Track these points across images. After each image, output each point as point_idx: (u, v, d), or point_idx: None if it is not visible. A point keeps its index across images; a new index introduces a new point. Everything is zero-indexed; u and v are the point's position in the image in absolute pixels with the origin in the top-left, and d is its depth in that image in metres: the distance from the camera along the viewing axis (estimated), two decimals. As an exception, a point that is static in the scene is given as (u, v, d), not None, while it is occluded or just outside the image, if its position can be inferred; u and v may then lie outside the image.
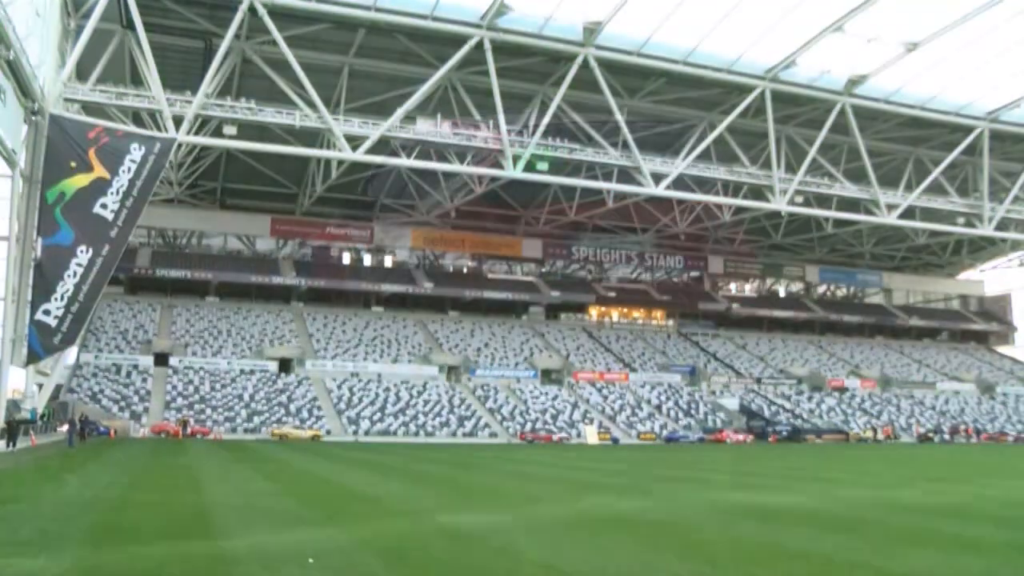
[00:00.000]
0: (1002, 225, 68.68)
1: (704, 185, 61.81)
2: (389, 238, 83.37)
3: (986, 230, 67.54)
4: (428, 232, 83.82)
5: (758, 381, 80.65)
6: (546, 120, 52.15)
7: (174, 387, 62.15)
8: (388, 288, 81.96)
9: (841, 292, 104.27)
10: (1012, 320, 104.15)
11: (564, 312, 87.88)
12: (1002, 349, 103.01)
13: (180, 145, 49.59)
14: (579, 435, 62.47)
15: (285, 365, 69.36)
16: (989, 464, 34.95)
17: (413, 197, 76.73)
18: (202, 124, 49.10)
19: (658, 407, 72.23)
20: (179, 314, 74.34)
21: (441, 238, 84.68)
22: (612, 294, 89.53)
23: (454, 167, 55.41)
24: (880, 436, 69.55)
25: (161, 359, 65.84)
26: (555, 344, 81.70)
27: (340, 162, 57.76)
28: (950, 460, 38.21)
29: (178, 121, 45.14)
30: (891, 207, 63.21)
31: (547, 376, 75.91)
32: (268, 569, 8.96)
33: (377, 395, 66.08)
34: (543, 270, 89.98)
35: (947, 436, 72.76)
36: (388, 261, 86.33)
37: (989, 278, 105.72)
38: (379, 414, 62.97)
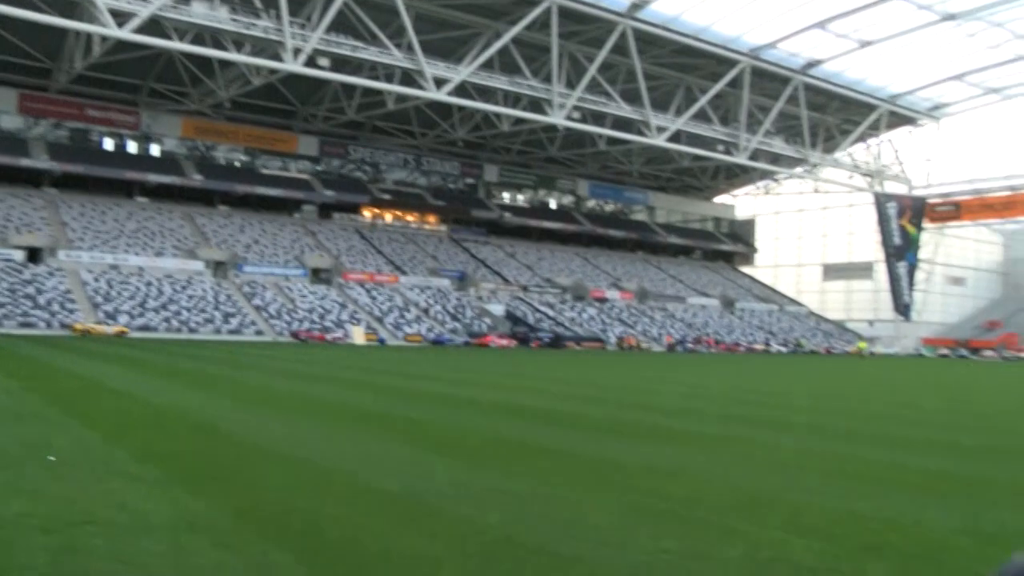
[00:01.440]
0: (754, 155, 74.06)
1: (485, 94, 62.26)
2: (157, 125, 78.49)
3: (741, 158, 72.62)
4: (199, 122, 79.55)
5: (524, 289, 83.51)
6: (331, 15, 50.48)
7: (-101, 272, 56.48)
8: (154, 178, 77.46)
9: (609, 208, 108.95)
10: (754, 243, 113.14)
11: (337, 212, 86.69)
12: (744, 269, 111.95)
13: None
14: (346, 335, 62.65)
15: (34, 255, 64.49)
16: (712, 369, 38.33)
17: (185, 84, 72.36)
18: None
19: (426, 310, 73.40)
20: (-94, 192, 67.07)
21: (213, 129, 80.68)
22: (387, 196, 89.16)
23: (231, 56, 52.71)
24: (625, 345, 74.13)
25: None
26: (327, 244, 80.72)
27: (104, 39, 53.37)
28: (690, 365, 41.55)
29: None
30: (660, 130, 66.42)
31: (317, 275, 75.09)
32: (4, 468, 8.61)
33: (138, 289, 63.03)
34: (318, 168, 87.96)
35: (691, 346, 78.69)
36: (155, 150, 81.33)
37: (739, 203, 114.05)
38: (139, 309, 60.21)
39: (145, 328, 57.72)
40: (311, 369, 28.17)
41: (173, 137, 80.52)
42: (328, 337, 61.74)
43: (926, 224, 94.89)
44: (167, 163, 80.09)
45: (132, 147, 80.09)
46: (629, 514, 7.57)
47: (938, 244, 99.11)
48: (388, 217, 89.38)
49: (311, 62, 52.12)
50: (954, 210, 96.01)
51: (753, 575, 5.78)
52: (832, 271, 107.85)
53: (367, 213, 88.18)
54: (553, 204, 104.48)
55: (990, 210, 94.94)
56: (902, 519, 7.60)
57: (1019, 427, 16.45)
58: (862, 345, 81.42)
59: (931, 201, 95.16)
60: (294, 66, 51.30)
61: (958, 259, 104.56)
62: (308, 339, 60.46)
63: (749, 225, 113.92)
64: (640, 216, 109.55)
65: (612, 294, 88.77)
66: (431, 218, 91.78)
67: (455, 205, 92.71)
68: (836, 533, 7.10)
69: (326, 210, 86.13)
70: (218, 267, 71.34)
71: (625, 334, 78.17)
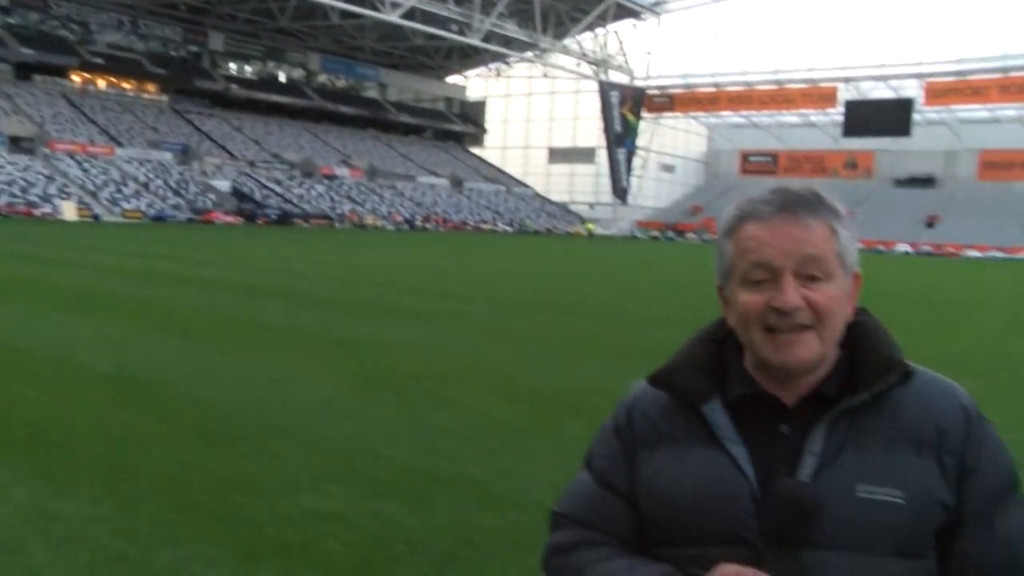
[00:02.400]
0: (486, 37, 74.56)
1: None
2: None
3: (473, 39, 72.89)
4: None
5: (252, 164, 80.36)
6: None
7: None
8: None
9: (340, 83, 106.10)
10: (484, 124, 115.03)
11: (39, 74, 78.11)
12: (474, 149, 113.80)
13: None
14: (56, 211, 57.84)
15: None
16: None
17: None
18: None
19: (145, 185, 68.94)
20: None
21: None
22: (99, 60, 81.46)
23: None
24: (349, 222, 73.65)
25: None
26: (27, 109, 73.03)
27: None
28: (423, 242, 42.21)
29: None
30: (395, 6, 65.06)
31: (16, 144, 67.93)
32: None
33: None
34: (10, 21, 78.27)
35: (420, 224, 79.52)
36: None
37: (471, 84, 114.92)
38: None
39: None
40: (14, 247, 25.91)
41: None
42: (36, 213, 56.55)
43: (644, 114, 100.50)
44: None
45: None
46: (351, 387, 7.76)
47: (653, 133, 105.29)
48: (101, 83, 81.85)
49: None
50: (668, 102, 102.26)
51: (465, 438, 6.16)
52: (557, 155, 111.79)
53: (76, 77, 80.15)
54: (283, 77, 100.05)
55: (698, 104, 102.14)
56: (601, 383, 8.33)
57: (692, 300, 18.19)
58: (589, 226, 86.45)
59: (649, 92, 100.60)
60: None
61: (670, 148, 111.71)
62: (11, 215, 55.08)
63: (480, 107, 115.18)
64: (372, 93, 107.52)
65: (342, 171, 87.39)
66: (150, 87, 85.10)
67: (177, 74, 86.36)
68: (543, 397, 7.68)
69: (24, 71, 77.28)
70: None
71: (352, 211, 77.55)
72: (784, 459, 1.22)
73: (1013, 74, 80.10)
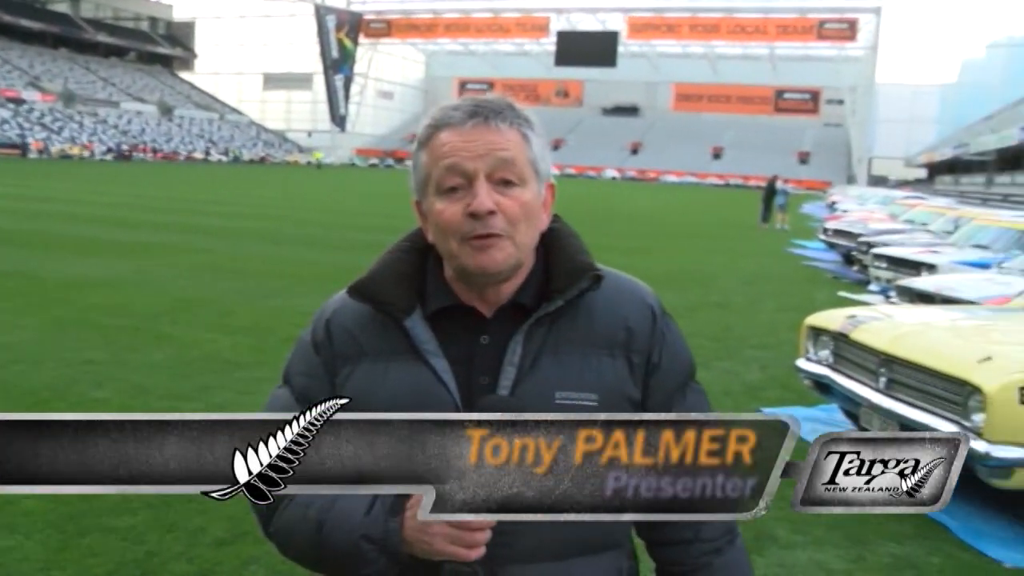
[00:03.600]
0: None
1: None
2: None
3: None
4: None
5: (-84, 85, 70.90)
6: None
7: None
8: None
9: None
10: (194, 47, 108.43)
11: None
12: (184, 74, 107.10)
13: None
14: None
15: None
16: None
17: None
18: None
19: None
20: None
21: None
22: None
23: None
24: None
25: None
26: None
27: None
28: (124, 175, 39.48)
29: None
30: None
31: None
32: None
33: None
34: None
35: (126, 154, 74.12)
36: None
37: (177, 4, 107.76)
38: None
39: None
40: None
41: None
42: None
43: (361, 39, 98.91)
44: None
45: None
46: (50, 330, 7.23)
47: (371, 59, 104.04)
48: None
49: None
50: (385, 28, 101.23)
51: (181, 375, 5.94)
52: (273, 81, 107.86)
53: None
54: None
55: (416, 30, 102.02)
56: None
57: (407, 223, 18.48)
58: (318, 155, 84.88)
59: (366, 17, 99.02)
60: None
61: (388, 75, 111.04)
62: None
63: (188, 28, 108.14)
64: (62, 7, 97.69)
65: (30, 95, 79.03)
66: None
67: None
68: (261, 329, 7.54)
69: None
70: None
71: (38, 140, 70.42)
72: (485, 370, 1.22)
73: (700, 15, 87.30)
